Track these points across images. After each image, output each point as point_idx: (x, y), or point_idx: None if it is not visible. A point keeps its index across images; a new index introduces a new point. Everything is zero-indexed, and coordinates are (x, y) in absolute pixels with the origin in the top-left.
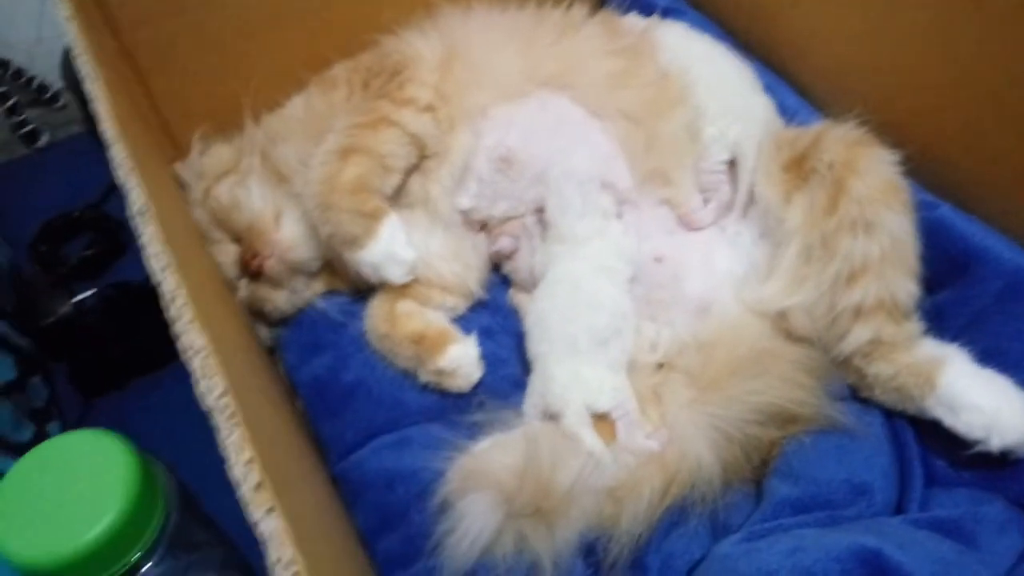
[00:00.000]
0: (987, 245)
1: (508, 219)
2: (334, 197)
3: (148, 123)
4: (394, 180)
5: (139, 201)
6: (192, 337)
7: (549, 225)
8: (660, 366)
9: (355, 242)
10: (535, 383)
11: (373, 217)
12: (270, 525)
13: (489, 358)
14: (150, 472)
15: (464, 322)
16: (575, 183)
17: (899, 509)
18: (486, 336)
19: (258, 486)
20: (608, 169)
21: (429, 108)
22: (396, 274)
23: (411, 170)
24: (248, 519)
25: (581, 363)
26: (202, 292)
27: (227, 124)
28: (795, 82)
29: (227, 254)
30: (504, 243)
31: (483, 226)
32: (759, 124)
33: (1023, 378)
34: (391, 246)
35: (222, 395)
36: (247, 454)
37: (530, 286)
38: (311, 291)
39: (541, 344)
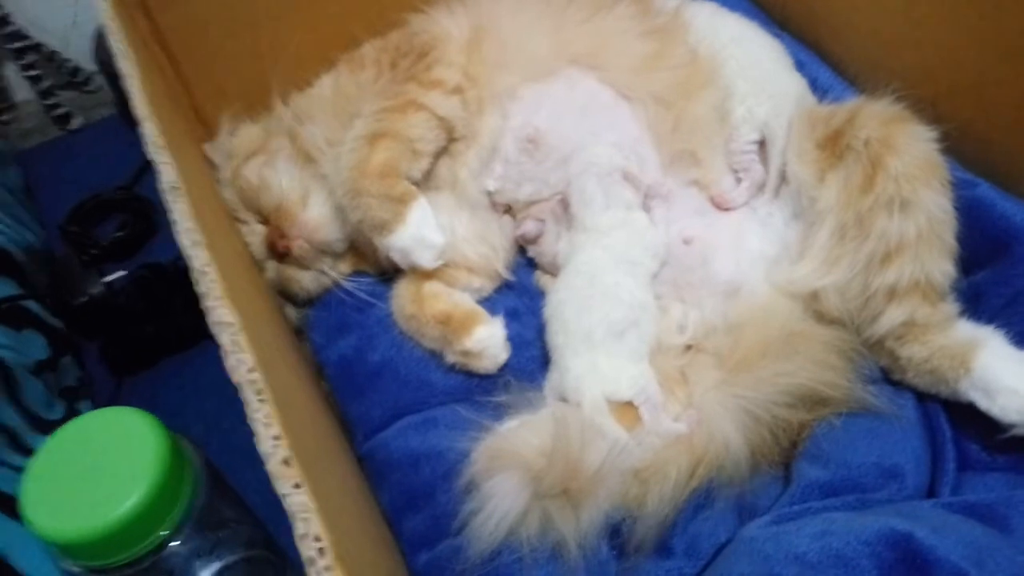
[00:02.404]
0: None
1: (533, 202)
2: (363, 183)
3: (179, 103)
4: (423, 164)
5: (170, 177)
6: (222, 312)
7: (573, 216)
8: (688, 348)
9: (384, 227)
10: (552, 375)
11: (402, 201)
12: (297, 500)
13: (515, 340)
14: (179, 450)
15: (490, 304)
16: (596, 176)
17: (931, 493)
18: (512, 318)
19: (285, 461)
20: (635, 152)
21: (457, 90)
22: (426, 258)
23: (440, 153)
24: (276, 493)
25: (598, 354)
26: (232, 270)
27: (257, 105)
28: (829, 57)
29: (255, 234)
30: (529, 227)
31: (508, 208)
32: (790, 102)
33: None
34: (421, 230)
35: (251, 370)
36: (275, 429)
37: (555, 270)
38: (338, 272)
39: (558, 335)
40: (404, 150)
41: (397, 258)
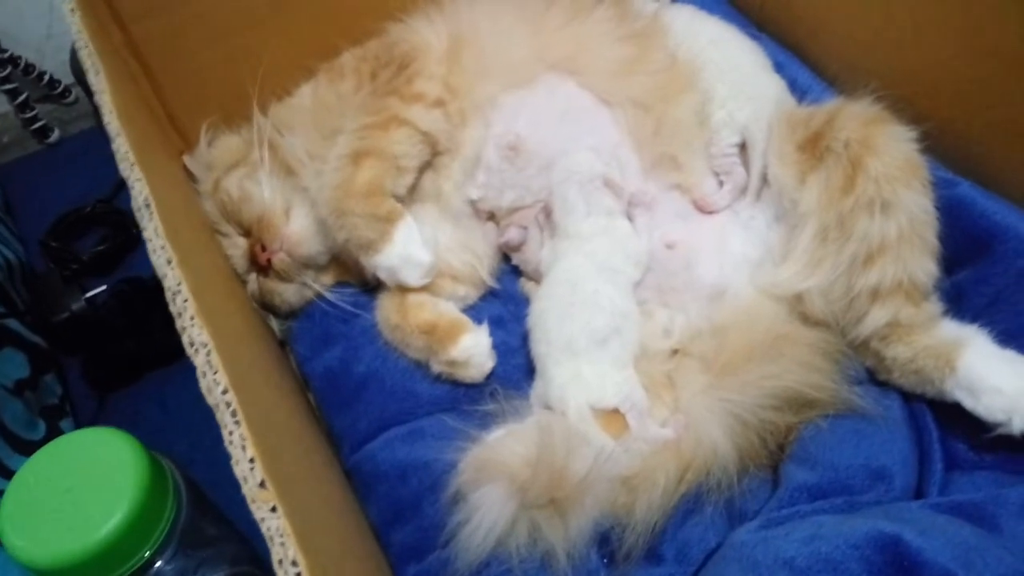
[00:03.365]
0: (1009, 223)
1: (516, 209)
2: (348, 202)
3: (155, 116)
4: (408, 180)
5: (142, 194)
6: (195, 333)
7: (555, 223)
8: (674, 352)
9: (371, 246)
10: (537, 384)
11: (388, 220)
12: (273, 524)
13: (501, 347)
14: (160, 469)
15: (475, 311)
16: (578, 184)
17: (919, 493)
18: (497, 325)
19: (262, 484)
20: (616, 156)
21: (439, 103)
22: (413, 277)
23: (424, 167)
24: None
25: (581, 363)
26: (207, 286)
27: (235, 115)
28: (809, 59)
29: (236, 247)
30: (512, 234)
31: (491, 216)
32: (769, 105)
33: None
34: (408, 249)
35: (225, 391)
36: (250, 452)
37: (539, 277)
38: (320, 283)
39: (541, 344)
40: (388, 168)
41: (384, 276)
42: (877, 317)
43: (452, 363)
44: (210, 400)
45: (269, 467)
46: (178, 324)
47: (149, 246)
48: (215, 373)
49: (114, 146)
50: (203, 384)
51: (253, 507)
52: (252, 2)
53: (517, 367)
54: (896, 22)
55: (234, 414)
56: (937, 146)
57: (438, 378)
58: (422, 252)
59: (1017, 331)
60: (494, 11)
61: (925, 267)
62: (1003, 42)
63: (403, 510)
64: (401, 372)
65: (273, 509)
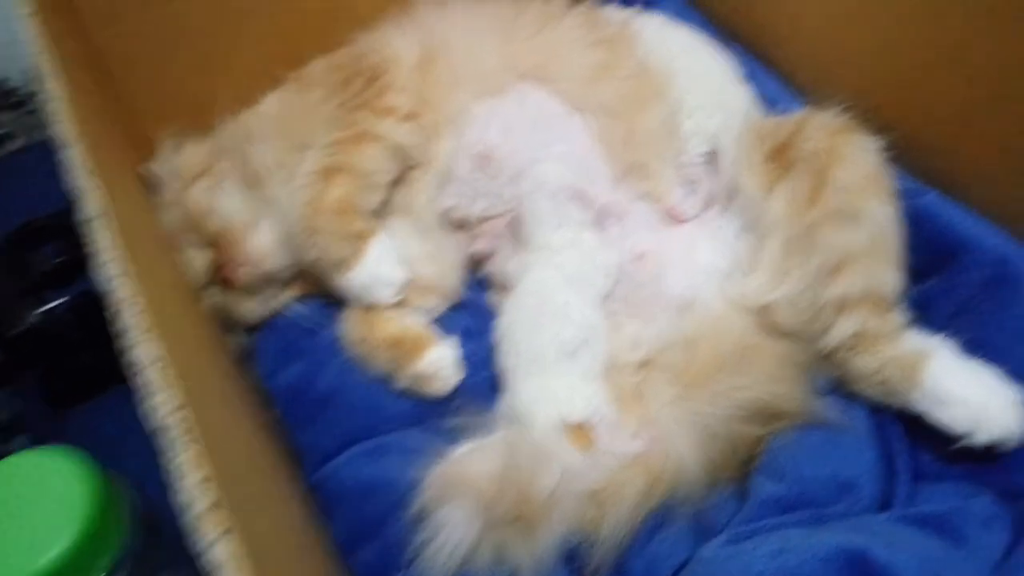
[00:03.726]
0: (973, 233)
1: (487, 219)
2: (319, 220)
3: (118, 123)
4: (380, 195)
5: (93, 205)
6: (145, 349)
7: (525, 235)
8: (643, 364)
9: (342, 265)
10: (505, 398)
11: (360, 238)
12: (218, 552)
13: (469, 360)
14: (112, 493)
15: (444, 323)
16: (547, 195)
17: (886, 504)
18: (466, 337)
19: (206, 511)
20: (586, 165)
21: (411, 116)
22: (385, 295)
23: (396, 182)
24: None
25: (549, 376)
26: (160, 300)
27: (201, 123)
28: (777, 69)
29: (197, 259)
30: (482, 245)
31: (461, 225)
32: (738, 115)
33: (1010, 368)
34: (380, 267)
35: (172, 412)
36: (196, 476)
37: (509, 288)
38: (283, 297)
39: (509, 357)
40: (360, 185)
41: (356, 295)
42: (844, 328)
43: (418, 377)
44: (161, 418)
45: (223, 489)
46: (129, 338)
47: (101, 258)
48: (169, 389)
49: (66, 155)
50: (155, 401)
51: (205, 531)
52: (219, 10)
53: (486, 380)
54: (862, 33)
55: (189, 430)
56: (904, 156)
57: (404, 393)
58: (395, 270)
59: (982, 341)
60: (465, 21)
61: (891, 277)
62: (969, 53)
63: (367, 529)
64: (366, 387)
65: (226, 532)
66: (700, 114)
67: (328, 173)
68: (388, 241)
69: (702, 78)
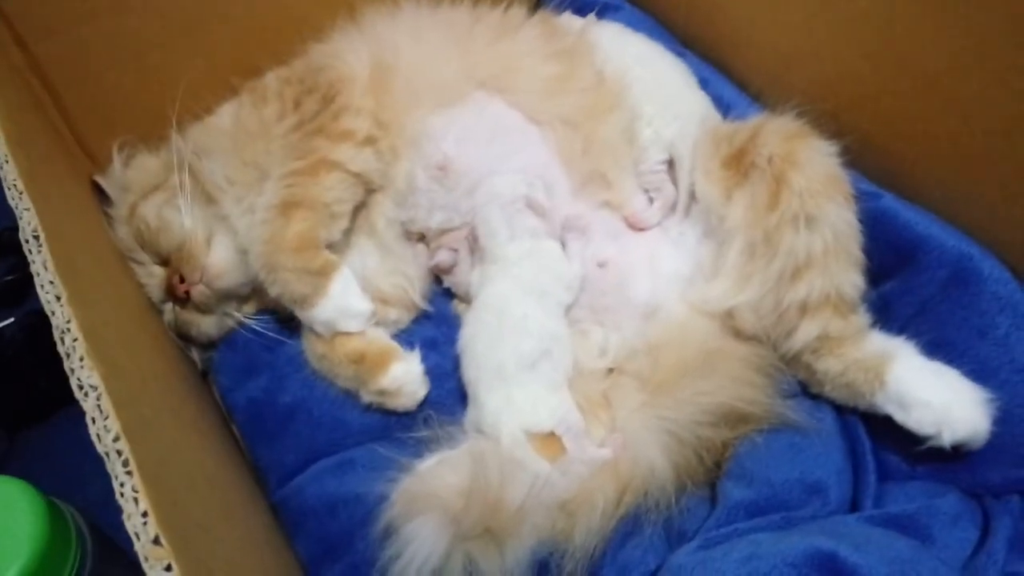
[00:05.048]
0: (931, 233)
1: (446, 231)
2: (279, 258)
3: (61, 139)
4: (342, 224)
5: (31, 225)
6: (84, 375)
7: (481, 248)
8: (610, 371)
9: (306, 301)
10: (470, 410)
11: (323, 274)
12: None
13: (434, 371)
14: (62, 519)
15: (407, 335)
16: (499, 207)
17: (854, 505)
18: (431, 348)
19: (155, 540)
20: (544, 176)
21: (369, 140)
22: (352, 326)
23: (359, 208)
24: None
25: (512, 387)
26: (108, 322)
27: (150, 135)
28: (733, 75)
29: (152, 276)
30: (443, 257)
31: (422, 237)
32: (695, 122)
33: (971, 368)
34: (345, 300)
35: (116, 439)
36: (143, 505)
37: (471, 299)
38: (242, 313)
39: (470, 370)
40: (320, 217)
41: (321, 329)
42: (807, 331)
43: (382, 393)
44: (100, 448)
45: (165, 521)
46: (66, 365)
47: (37, 281)
48: (105, 419)
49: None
50: (92, 431)
51: (146, 566)
52: (164, 18)
53: (451, 391)
54: (816, 37)
55: (126, 463)
56: (860, 159)
57: (369, 407)
58: (360, 302)
59: (943, 341)
60: (417, 30)
61: (851, 280)
62: (920, 57)
63: (334, 546)
64: (330, 401)
65: (168, 568)
66: (657, 123)
67: (286, 208)
68: (350, 274)
69: (658, 87)
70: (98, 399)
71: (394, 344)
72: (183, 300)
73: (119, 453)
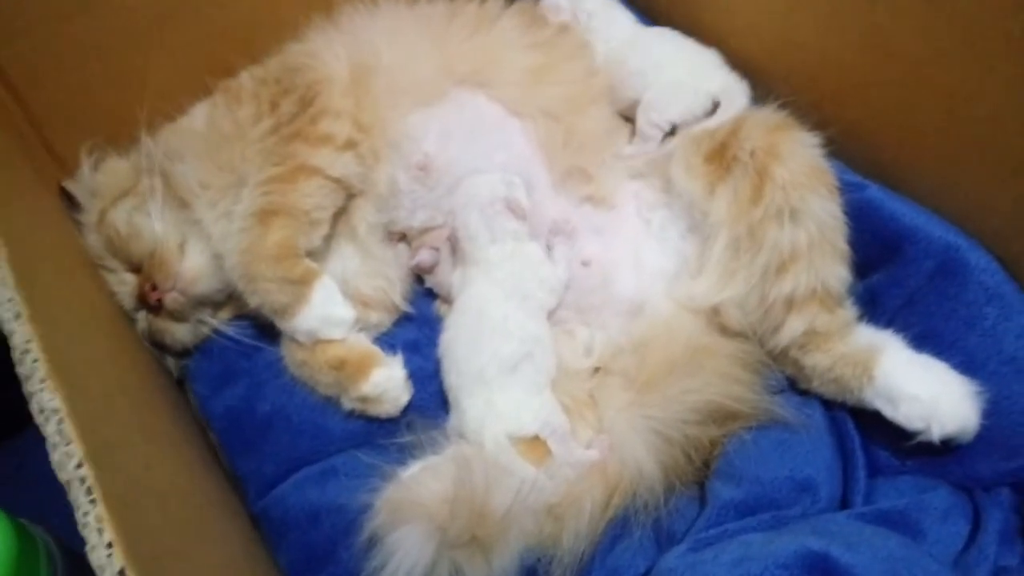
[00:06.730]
0: (917, 224)
1: (427, 230)
2: (259, 267)
3: (26, 144)
4: (323, 230)
5: None
6: (45, 398)
7: (462, 250)
8: (596, 370)
9: (287, 311)
10: (452, 416)
11: (303, 283)
12: None
13: (417, 374)
14: (30, 542)
15: (389, 337)
16: (478, 209)
17: (844, 502)
18: (413, 351)
19: (120, 573)
20: (525, 172)
21: (349, 144)
22: (335, 334)
23: (339, 213)
24: None
25: (493, 392)
26: (65, 341)
27: (119, 137)
28: None
29: (123, 284)
30: (424, 256)
31: (403, 237)
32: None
33: (959, 359)
34: (326, 309)
35: (78, 465)
36: (108, 536)
37: (452, 300)
38: (217, 319)
39: (451, 375)
40: (300, 225)
41: (303, 338)
42: (794, 326)
43: (364, 399)
44: (62, 476)
45: (132, 550)
46: (25, 389)
47: None
48: (67, 445)
49: None
50: (53, 458)
51: None
52: (131, 19)
53: (434, 394)
54: (799, 26)
55: (89, 491)
56: (844, 150)
57: (351, 413)
58: (342, 310)
59: (931, 333)
60: (394, 26)
61: (837, 273)
62: (905, 45)
63: (316, 557)
64: (310, 408)
65: None
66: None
67: (264, 216)
68: (331, 282)
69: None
70: (59, 423)
71: (375, 349)
72: (156, 308)
73: (82, 481)
